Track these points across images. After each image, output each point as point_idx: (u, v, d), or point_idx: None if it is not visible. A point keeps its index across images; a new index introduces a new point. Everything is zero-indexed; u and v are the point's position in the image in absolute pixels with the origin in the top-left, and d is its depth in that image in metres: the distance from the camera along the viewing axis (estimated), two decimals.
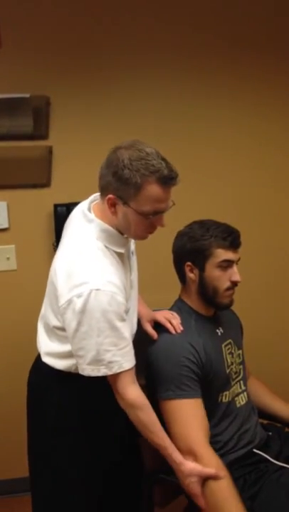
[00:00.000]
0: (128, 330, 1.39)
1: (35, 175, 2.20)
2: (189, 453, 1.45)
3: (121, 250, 1.45)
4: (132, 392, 1.39)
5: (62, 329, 1.42)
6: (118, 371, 1.35)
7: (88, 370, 1.36)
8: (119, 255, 1.45)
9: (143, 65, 2.24)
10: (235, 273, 1.61)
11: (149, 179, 1.31)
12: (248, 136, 2.38)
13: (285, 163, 2.44)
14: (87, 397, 1.51)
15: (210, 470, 1.41)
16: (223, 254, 1.59)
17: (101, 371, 1.35)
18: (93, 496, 1.58)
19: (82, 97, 2.21)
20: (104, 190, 1.39)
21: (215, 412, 1.60)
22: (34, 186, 2.22)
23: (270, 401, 1.85)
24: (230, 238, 1.60)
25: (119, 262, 1.44)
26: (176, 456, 1.42)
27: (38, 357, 1.57)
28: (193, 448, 1.45)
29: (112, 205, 1.38)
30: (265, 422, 1.81)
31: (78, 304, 1.32)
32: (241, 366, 1.74)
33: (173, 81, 2.28)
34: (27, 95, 2.09)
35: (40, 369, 1.55)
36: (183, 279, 1.69)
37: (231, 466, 1.57)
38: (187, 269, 1.64)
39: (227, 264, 1.60)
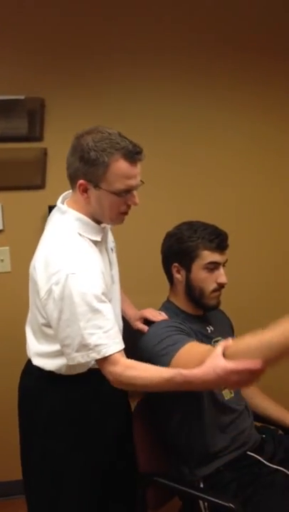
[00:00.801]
0: (111, 312, 1.37)
1: (30, 177, 2.20)
2: None
3: (96, 238, 1.45)
4: (123, 363, 1.34)
5: (50, 326, 1.41)
6: (107, 354, 1.32)
7: (78, 358, 1.34)
8: (96, 243, 1.45)
9: (139, 66, 2.24)
10: (221, 275, 1.62)
11: (116, 156, 1.34)
12: (246, 137, 2.39)
13: (283, 166, 2.44)
14: (78, 399, 1.50)
15: (218, 348, 1.28)
16: (209, 256, 1.60)
17: (90, 356, 1.33)
18: (89, 498, 1.57)
19: (77, 98, 2.21)
20: (73, 179, 1.41)
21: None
22: (29, 188, 2.22)
23: (263, 403, 1.85)
24: (217, 240, 1.61)
25: (95, 250, 1.44)
26: (188, 374, 1.27)
27: (28, 361, 1.56)
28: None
29: (84, 190, 1.39)
30: (259, 424, 1.82)
31: (57, 291, 1.32)
32: None
33: (170, 82, 2.28)
34: (22, 97, 2.09)
35: (30, 373, 1.55)
36: (170, 279, 1.69)
37: (225, 469, 1.58)
38: (174, 269, 1.65)
39: (213, 266, 1.61)
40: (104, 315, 1.34)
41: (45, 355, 1.48)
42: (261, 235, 2.47)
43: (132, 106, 2.26)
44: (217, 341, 1.69)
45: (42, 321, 1.44)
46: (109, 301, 1.44)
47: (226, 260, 1.66)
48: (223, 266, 1.65)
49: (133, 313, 1.69)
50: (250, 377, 1.21)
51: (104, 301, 1.35)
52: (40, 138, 2.19)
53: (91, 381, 1.48)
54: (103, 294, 1.35)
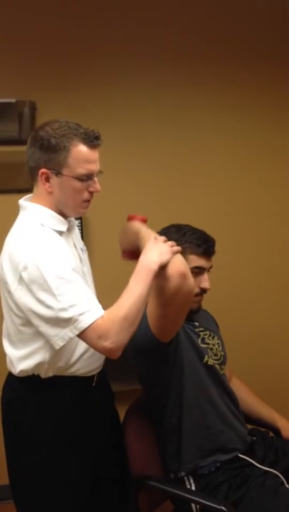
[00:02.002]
0: (84, 283, 1.37)
1: (21, 180, 2.19)
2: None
3: (60, 228, 1.45)
4: (104, 319, 1.32)
5: (27, 323, 1.40)
6: (91, 321, 1.30)
7: (69, 334, 1.32)
8: (61, 234, 1.45)
9: (131, 70, 2.26)
10: (205, 280, 1.65)
11: (75, 141, 1.38)
12: (239, 142, 2.41)
13: (275, 171, 2.46)
14: (60, 409, 1.48)
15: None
16: (195, 260, 1.62)
17: (78, 327, 1.30)
18: (78, 506, 1.55)
19: (68, 102, 2.21)
20: (35, 170, 1.42)
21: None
22: (19, 191, 2.21)
23: (254, 405, 1.87)
24: (205, 246, 1.63)
25: (61, 239, 1.44)
26: (140, 261, 1.36)
27: (8, 374, 1.54)
28: None
29: (46, 179, 1.41)
30: (250, 426, 1.83)
31: (27, 276, 1.32)
32: (223, 353, 1.76)
33: (162, 87, 2.30)
34: (13, 100, 2.09)
35: (10, 385, 1.53)
36: None
37: (217, 470, 1.59)
38: None
39: (198, 271, 1.64)
40: (78, 285, 1.34)
41: (25, 357, 1.45)
42: (250, 239, 2.48)
43: (123, 110, 2.27)
44: (201, 331, 1.72)
45: (18, 321, 1.42)
46: None
47: (211, 266, 1.69)
48: (208, 271, 1.68)
49: None
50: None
51: (74, 273, 1.35)
52: None
53: (72, 389, 1.48)
54: (73, 269, 1.36)
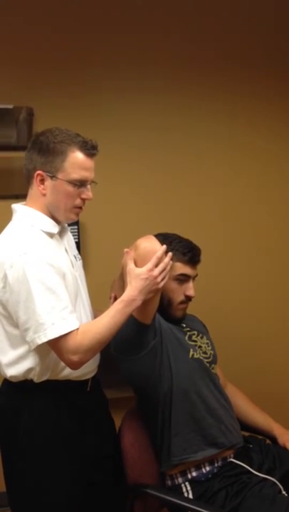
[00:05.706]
0: (65, 291, 1.39)
1: (18, 186, 2.19)
2: None
3: (50, 230, 1.46)
4: (79, 333, 1.36)
5: (13, 324, 1.40)
6: (63, 331, 1.33)
7: (37, 341, 1.34)
8: (51, 236, 1.47)
9: (127, 78, 2.26)
10: (190, 288, 1.68)
11: (73, 147, 1.43)
12: (231, 149, 2.41)
13: (267, 177, 2.47)
14: (54, 415, 1.47)
15: (129, 265, 1.47)
16: (181, 268, 1.66)
17: (47, 335, 1.33)
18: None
19: (65, 108, 2.22)
20: (31, 172, 1.46)
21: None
22: (17, 197, 2.21)
23: (250, 412, 1.86)
24: (190, 254, 1.67)
25: (50, 241, 1.45)
26: (125, 296, 1.42)
27: (3, 379, 1.53)
28: None
29: (41, 181, 1.44)
30: (247, 434, 1.82)
31: (12, 274, 1.34)
32: (212, 352, 1.78)
33: (155, 93, 2.30)
34: (10, 106, 2.10)
35: (5, 390, 1.52)
36: None
37: (214, 477, 1.58)
38: None
39: (184, 278, 1.68)
40: (58, 294, 1.36)
41: (14, 362, 1.45)
42: (246, 244, 2.48)
43: (121, 116, 2.28)
44: (188, 331, 1.74)
45: (4, 321, 1.43)
46: (75, 299, 1.47)
47: (196, 275, 1.72)
48: (193, 280, 1.71)
49: None
50: (164, 264, 1.46)
51: (58, 279, 1.37)
52: None
53: (66, 394, 1.47)
54: (57, 270, 1.38)
